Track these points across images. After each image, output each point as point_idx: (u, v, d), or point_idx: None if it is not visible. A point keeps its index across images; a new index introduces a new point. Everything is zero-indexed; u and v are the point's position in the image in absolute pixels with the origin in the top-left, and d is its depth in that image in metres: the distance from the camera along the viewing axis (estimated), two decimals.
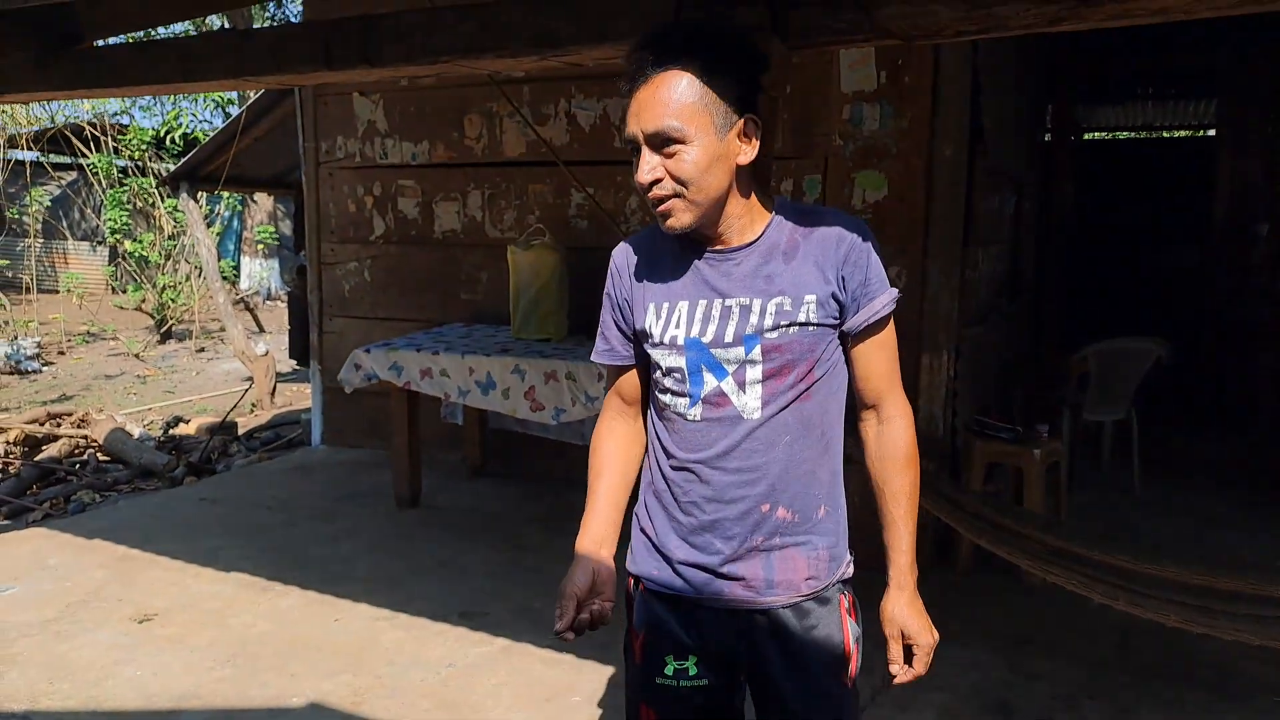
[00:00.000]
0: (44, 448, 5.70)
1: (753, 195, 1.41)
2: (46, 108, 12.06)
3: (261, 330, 10.73)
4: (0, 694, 2.81)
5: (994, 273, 4.99)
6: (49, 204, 11.98)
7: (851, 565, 1.50)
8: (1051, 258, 7.00)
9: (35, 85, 3.12)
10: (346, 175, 5.43)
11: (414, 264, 5.25)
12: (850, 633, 1.46)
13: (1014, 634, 3.18)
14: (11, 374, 8.79)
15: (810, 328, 1.38)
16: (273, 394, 7.03)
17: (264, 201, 13.64)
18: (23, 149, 11.39)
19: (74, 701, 2.76)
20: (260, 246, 13.68)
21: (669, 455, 1.45)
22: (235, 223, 14.24)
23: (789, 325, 1.37)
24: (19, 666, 2.97)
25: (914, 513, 1.45)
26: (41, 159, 12.21)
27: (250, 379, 7.21)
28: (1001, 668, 2.95)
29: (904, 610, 1.43)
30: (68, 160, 12.72)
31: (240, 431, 6.16)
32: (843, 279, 1.39)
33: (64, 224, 12.70)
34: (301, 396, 7.47)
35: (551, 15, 2.26)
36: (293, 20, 13.45)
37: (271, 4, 14.33)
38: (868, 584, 1.54)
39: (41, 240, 12.27)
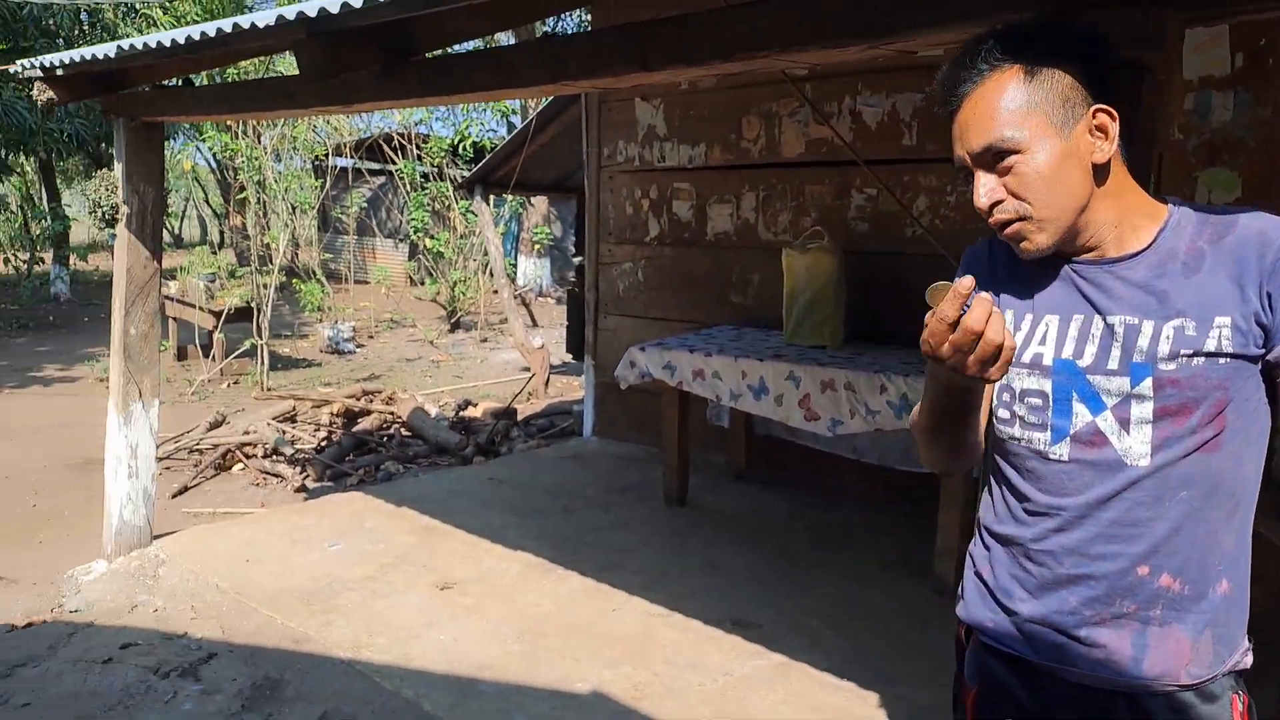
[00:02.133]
0: (359, 420, 6.44)
1: (1130, 196, 1.20)
2: (365, 119, 13.64)
3: (536, 324, 11.48)
4: (330, 640, 3.17)
5: None
6: (364, 205, 13.57)
7: (1249, 654, 1.24)
8: None
9: (380, 95, 3.47)
10: (625, 179, 5.63)
11: (686, 265, 5.34)
12: None
13: None
14: (332, 353, 10.05)
15: (1222, 359, 1.13)
16: (547, 384, 7.47)
17: (540, 204, 14.58)
18: (346, 156, 12.98)
19: (388, 656, 3.05)
20: (536, 246, 14.65)
21: (1019, 496, 1.26)
22: (513, 224, 15.36)
23: (1192, 355, 1.13)
24: (345, 617, 3.33)
25: None
26: (358, 165, 13.79)
27: (528, 369, 7.70)
28: None
29: None
30: (378, 166, 14.32)
31: (519, 418, 6.59)
32: (1269, 296, 1.12)
33: (374, 222, 14.38)
34: (572, 388, 7.89)
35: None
36: (570, 30, 14.21)
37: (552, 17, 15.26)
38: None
39: (356, 237, 13.97)
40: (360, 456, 5.85)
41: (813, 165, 4.73)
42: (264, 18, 2.70)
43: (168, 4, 14.03)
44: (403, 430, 6.28)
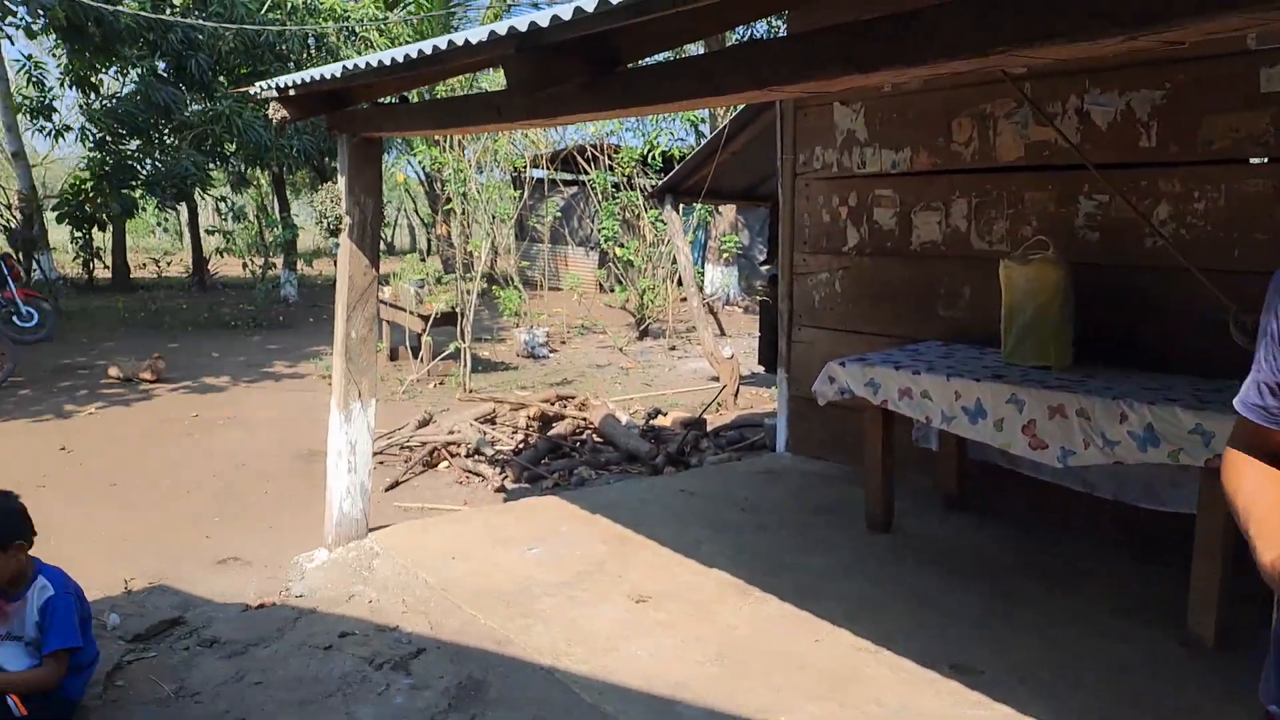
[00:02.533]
0: (553, 425, 6.60)
1: None
2: (559, 132, 14.12)
3: (723, 333, 11.45)
4: (531, 645, 3.22)
5: None
6: (557, 214, 14.06)
7: None
8: None
9: (585, 107, 3.51)
10: (822, 186, 5.46)
11: (887, 276, 5.10)
12: None
13: None
14: (527, 358, 10.43)
15: None
16: (736, 395, 7.38)
17: (728, 212, 14.55)
18: (541, 168, 13.49)
19: (586, 667, 3.06)
20: (724, 255, 14.64)
21: None
22: (700, 232, 15.43)
23: None
24: (544, 623, 3.38)
25: None
26: (552, 176, 14.29)
27: (717, 379, 7.64)
28: None
29: None
30: (571, 177, 14.78)
31: (709, 428, 6.54)
32: None
33: (566, 230, 14.86)
34: (762, 400, 7.76)
35: None
36: (759, 36, 14.07)
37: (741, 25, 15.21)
38: None
39: (550, 245, 14.52)
40: (555, 460, 5.99)
41: (1033, 170, 4.39)
42: (476, 34, 2.78)
43: (383, 27, 15.13)
44: (595, 436, 6.39)
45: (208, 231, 18.21)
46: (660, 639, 3.23)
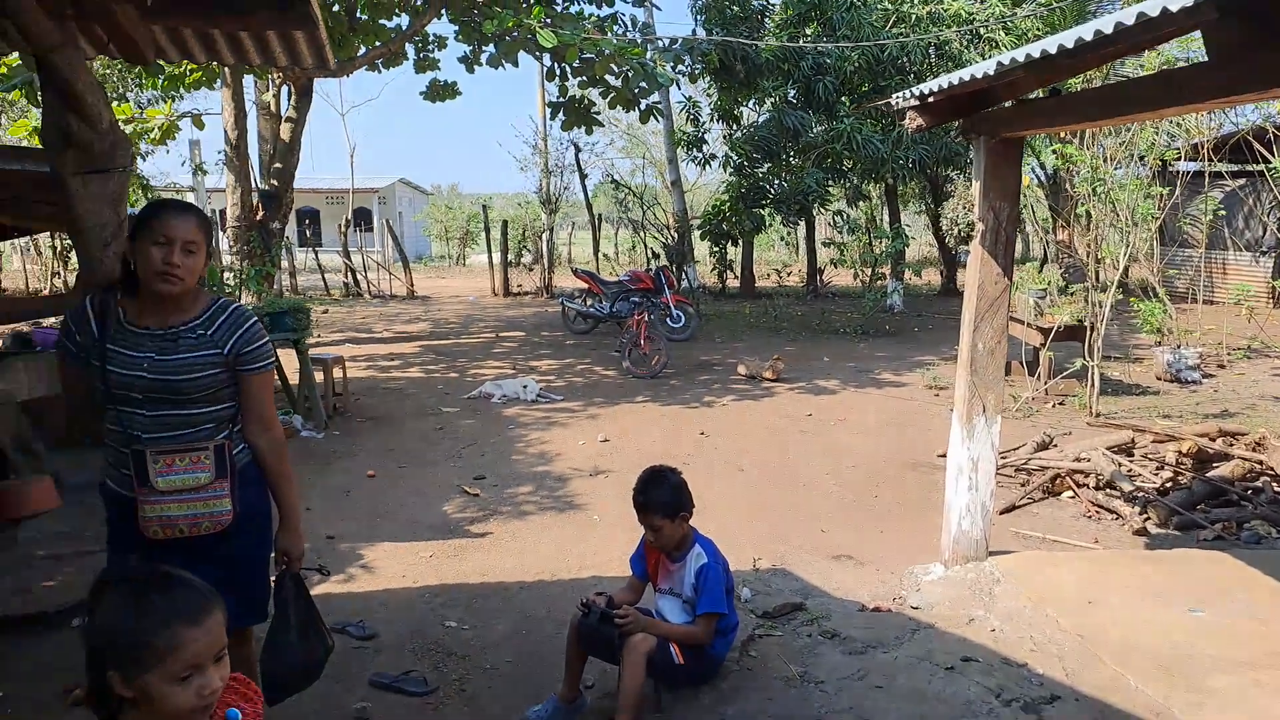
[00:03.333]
0: (1214, 465, 5.43)
1: None
2: (1229, 113, 11.79)
3: None
4: None
5: None
6: (1219, 211, 11.71)
7: None
8: None
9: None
10: None
11: None
12: None
13: None
14: (1171, 382, 8.91)
15: None
16: None
17: None
18: (1199, 160, 11.38)
19: None
20: None
21: None
22: None
23: None
24: (1219, 705, 2.72)
25: None
26: (1213, 168, 12.00)
27: None
28: None
29: None
30: (1235, 168, 12.26)
31: None
32: None
33: (1226, 232, 12.30)
34: None
35: None
36: None
37: None
38: None
39: (1203, 250, 12.22)
40: (1216, 507, 4.91)
41: None
42: (1174, 1, 2.30)
43: (1010, 25, 14.42)
44: (1276, 485, 5.10)
45: (823, 244, 19.51)
46: None
